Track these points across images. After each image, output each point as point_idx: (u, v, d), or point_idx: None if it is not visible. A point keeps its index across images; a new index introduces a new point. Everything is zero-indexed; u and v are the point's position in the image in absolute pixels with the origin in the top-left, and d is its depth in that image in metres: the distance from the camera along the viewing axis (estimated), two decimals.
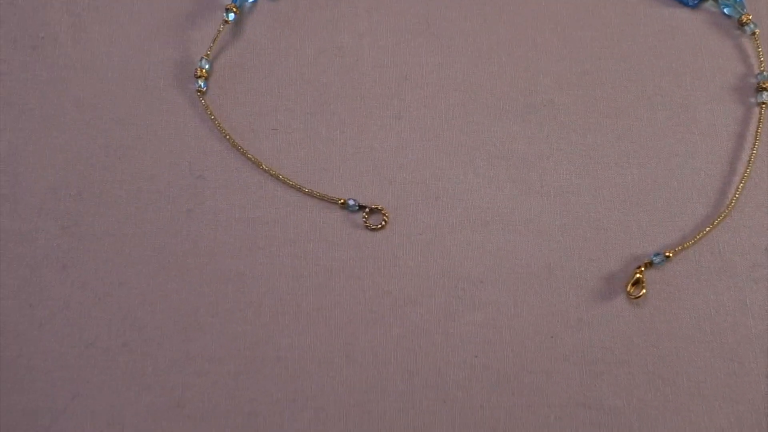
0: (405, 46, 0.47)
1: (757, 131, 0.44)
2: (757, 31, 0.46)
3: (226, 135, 0.45)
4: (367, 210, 0.43)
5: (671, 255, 0.41)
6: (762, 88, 0.45)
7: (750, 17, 0.46)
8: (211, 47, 0.46)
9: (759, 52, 0.46)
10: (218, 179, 0.44)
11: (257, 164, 0.44)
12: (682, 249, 0.42)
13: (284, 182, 0.44)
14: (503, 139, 0.45)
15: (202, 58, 0.46)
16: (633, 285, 0.41)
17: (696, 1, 0.47)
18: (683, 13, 0.48)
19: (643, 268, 0.41)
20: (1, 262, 0.42)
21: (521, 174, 0.44)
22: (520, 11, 0.48)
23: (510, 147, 0.45)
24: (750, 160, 0.43)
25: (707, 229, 0.42)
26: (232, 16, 0.47)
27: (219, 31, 0.46)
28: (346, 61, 0.47)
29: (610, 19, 0.48)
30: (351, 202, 0.43)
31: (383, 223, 0.43)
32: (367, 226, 0.43)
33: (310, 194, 0.44)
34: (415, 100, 0.46)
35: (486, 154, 0.45)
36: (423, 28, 0.48)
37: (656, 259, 0.41)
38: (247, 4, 0.48)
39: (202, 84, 0.46)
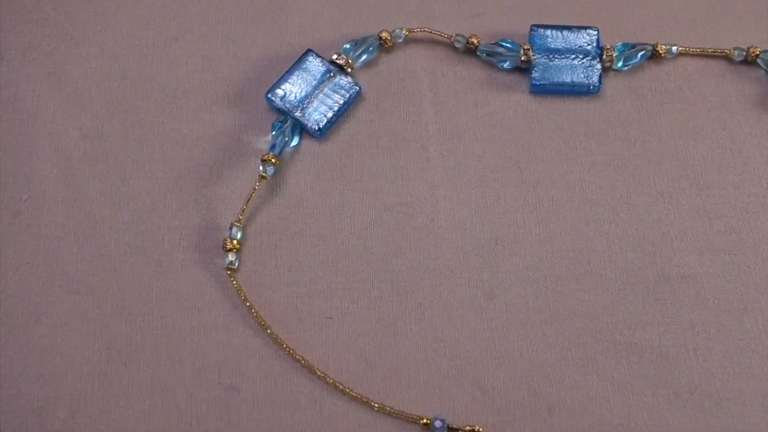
0: (492, 200, 0.37)
1: None
2: None
3: (266, 328, 0.35)
4: None
5: None
6: None
7: None
8: (243, 209, 0.36)
9: None
10: (256, 390, 0.35)
11: (309, 369, 0.34)
12: None
13: (345, 393, 0.33)
14: (630, 325, 0.35)
15: (232, 225, 0.36)
16: None
17: None
18: None
19: None
20: None
21: (659, 374, 0.34)
22: (640, 151, 0.38)
23: (641, 337, 0.35)
24: None
25: None
26: (271, 170, 0.36)
27: (254, 189, 0.36)
28: (417, 222, 0.37)
29: (753, 159, 0.37)
30: (438, 423, 0.33)
31: None
32: None
33: (381, 410, 0.34)
34: (511, 272, 0.36)
35: (609, 347, 0.35)
36: (514, 175, 0.38)
37: None
38: (288, 150, 0.38)
39: (233, 259, 0.35)
